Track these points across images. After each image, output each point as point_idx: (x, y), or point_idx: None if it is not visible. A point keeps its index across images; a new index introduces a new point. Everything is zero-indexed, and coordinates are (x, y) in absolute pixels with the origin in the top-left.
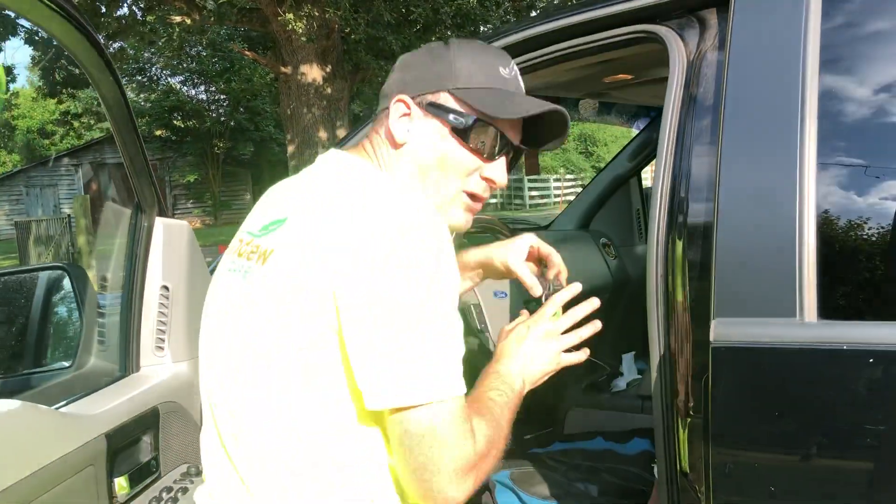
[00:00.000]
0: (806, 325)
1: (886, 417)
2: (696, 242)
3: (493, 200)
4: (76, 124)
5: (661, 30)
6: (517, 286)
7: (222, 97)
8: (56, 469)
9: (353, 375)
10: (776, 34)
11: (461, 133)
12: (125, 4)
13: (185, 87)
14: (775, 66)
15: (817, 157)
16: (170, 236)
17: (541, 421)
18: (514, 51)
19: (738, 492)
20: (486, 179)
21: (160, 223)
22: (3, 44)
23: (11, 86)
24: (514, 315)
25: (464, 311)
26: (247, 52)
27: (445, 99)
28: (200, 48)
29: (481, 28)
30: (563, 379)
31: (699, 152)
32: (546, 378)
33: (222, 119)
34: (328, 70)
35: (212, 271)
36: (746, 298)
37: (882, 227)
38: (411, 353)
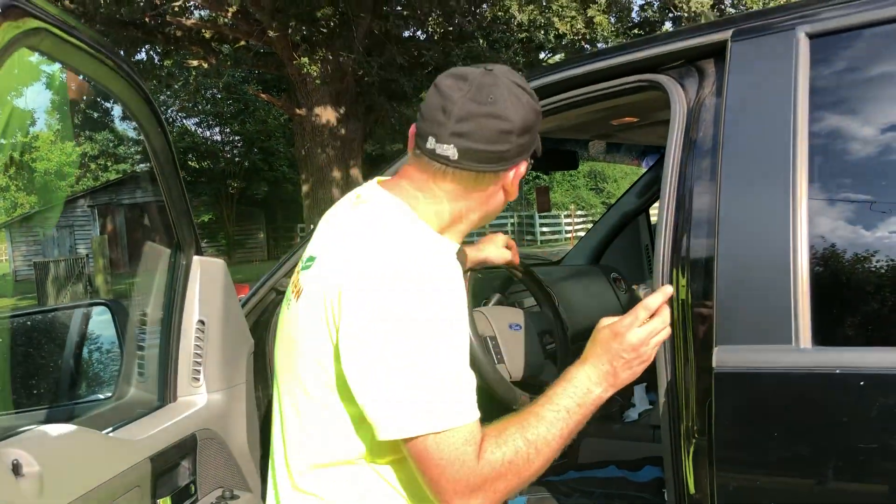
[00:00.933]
0: (801, 350)
1: (878, 438)
2: (699, 275)
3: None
4: (93, 166)
5: (663, 78)
6: (532, 319)
7: (237, 138)
8: (108, 488)
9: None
10: (769, 82)
11: (517, 185)
12: (143, 50)
13: (200, 129)
14: (768, 111)
15: (808, 194)
16: (206, 274)
17: None
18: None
19: None
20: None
21: (197, 261)
22: (24, 89)
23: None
24: (528, 347)
25: (481, 342)
26: (262, 95)
27: (523, 160)
28: (215, 91)
29: None
30: None
31: (699, 191)
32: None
33: (236, 159)
34: (342, 111)
35: (242, 305)
36: (746, 326)
37: (870, 258)
38: (402, 391)
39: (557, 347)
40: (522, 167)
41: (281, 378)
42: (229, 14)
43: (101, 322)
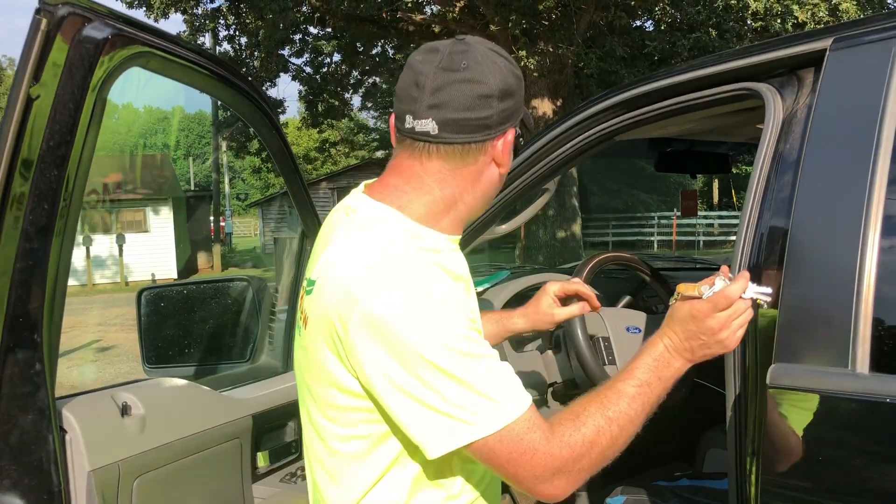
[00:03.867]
0: (856, 375)
1: None
2: (769, 289)
3: (654, 238)
4: (332, 151)
5: (762, 87)
6: (655, 324)
7: None
8: (205, 436)
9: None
10: (859, 94)
11: (513, 156)
12: (378, 44)
13: None
14: (853, 124)
15: (883, 219)
16: None
17: (679, 458)
18: (635, 103)
19: None
20: None
21: None
22: (276, 80)
23: (282, 116)
24: None
25: (592, 342)
26: None
27: (509, 129)
28: None
29: None
30: (703, 420)
31: (778, 206)
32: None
33: None
34: (559, 104)
35: None
36: (804, 346)
37: None
38: (435, 406)
39: None
40: (510, 135)
41: (301, 403)
42: (457, 9)
43: (244, 295)
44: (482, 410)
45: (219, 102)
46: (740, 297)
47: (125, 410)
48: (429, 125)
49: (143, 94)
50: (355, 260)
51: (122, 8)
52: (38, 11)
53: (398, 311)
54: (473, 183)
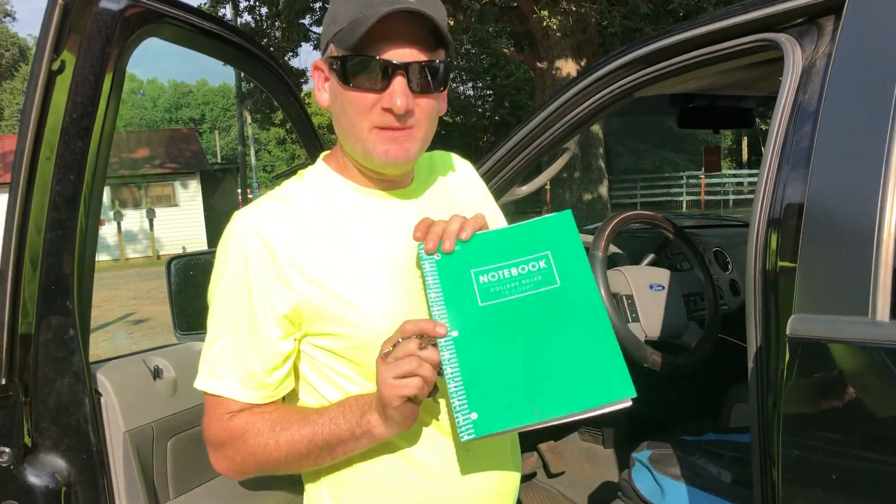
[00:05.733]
0: (877, 323)
1: None
2: (788, 241)
3: (682, 198)
4: None
5: (781, 37)
6: (678, 281)
7: (488, 93)
8: None
9: None
10: (879, 40)
11: (342, 79)
12: None
13: (455, 84)
14: (873, 75)
15: None
16: None
17: (705, 414)
18: (654, 58)
19: (801, 478)
20: (385, 111)
21: None
22: (298, 49)
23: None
24: (670, 308)
25: (615, 300)
26: (504, 50)
27: (331, 50)
28: (469, 46)
29: None
30: (728, 376)
31: (798, 156)
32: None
33: (487, 114)
34: (583, 63)
35: None
36: (824, 296)
37: None
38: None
39: (707, 311)
40: (328, 54)
41: None
42: None
43: None
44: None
45: (241, 74)
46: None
47: (157, 374)
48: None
49: (167, 69)
50: None
51: None
52: None
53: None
54: (334, 108)
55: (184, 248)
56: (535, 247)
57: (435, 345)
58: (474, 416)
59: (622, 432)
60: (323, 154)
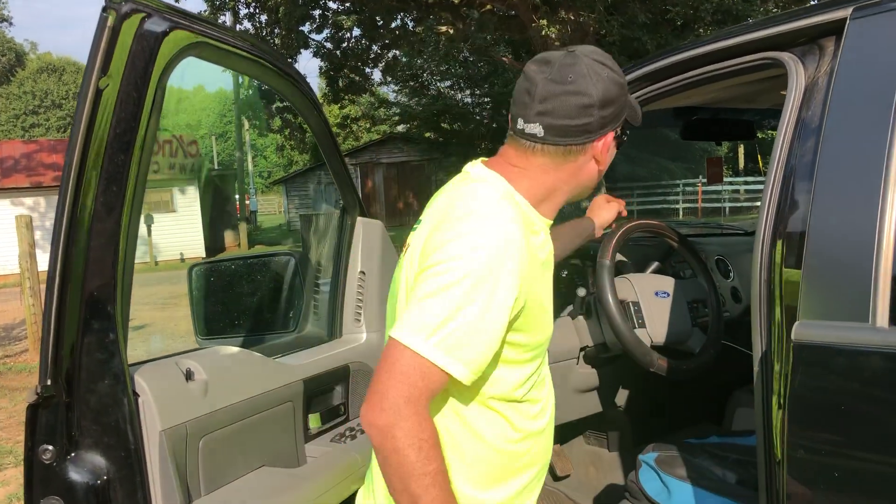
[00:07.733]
0: (877, 330)
1: None
2: (793, 251)
3: (679, 206)
4: (354, 127)
5: (784, 56)
6: (683, 288)
7: (486, 100)
8: (261, 399)
9: None
10: (878, 61)
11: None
12: (398, 17)
13: (452, 92)
14: (873, 93)
15: None
16: (367, 232)
17: (709, 418)
18: (660, 75)
19: (806, 478)
20: None
21: (360, 222)
22: (297, 56)
23: None
24: (675, 314)
25: (622, 306)
26: (503, 58)
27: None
28: (467, 54)
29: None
30: (731, 381)
31: (801, 170)
32: None
33: (485, 122)
34: None
35: None
36: (827, 303)
37: None
38: (421, 314)
39: (710, 317)
40: (610, 137)
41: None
42: None
43: (288, 268)
44: (435, 339)
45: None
46: None
47: (189, 376)
48: (536, 129)
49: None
50: (455, 201)
51: None
52: (104, 9)
53: (458, 245)
54: (572, 175)
55: (182, 254)
56: None
57: None
58: None
59: (627, 436)
60: None
